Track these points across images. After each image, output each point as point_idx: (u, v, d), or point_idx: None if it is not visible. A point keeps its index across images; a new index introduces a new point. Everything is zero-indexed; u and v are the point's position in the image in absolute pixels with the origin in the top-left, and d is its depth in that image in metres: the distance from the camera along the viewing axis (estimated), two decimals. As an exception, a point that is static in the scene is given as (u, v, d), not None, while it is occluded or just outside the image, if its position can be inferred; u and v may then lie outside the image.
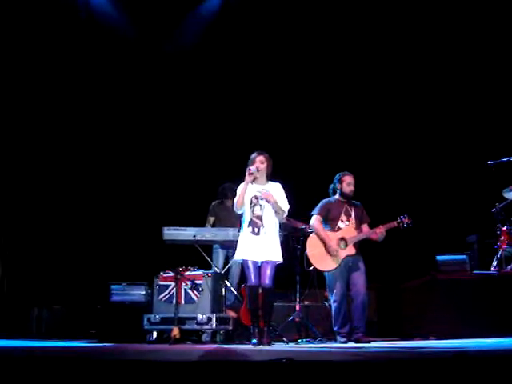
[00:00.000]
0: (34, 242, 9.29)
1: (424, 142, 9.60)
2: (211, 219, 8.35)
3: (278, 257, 6.04)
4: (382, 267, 8.24)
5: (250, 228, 6.04)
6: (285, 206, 6.09)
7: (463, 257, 7.57)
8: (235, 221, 7.54)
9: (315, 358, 4.08)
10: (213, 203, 8.42)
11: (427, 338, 6.81)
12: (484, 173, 8.08)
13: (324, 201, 6.83)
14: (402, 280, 8.25)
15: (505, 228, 7.88)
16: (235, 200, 6.13)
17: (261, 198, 6.04)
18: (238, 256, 6.08)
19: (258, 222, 6.02)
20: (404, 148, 9.65)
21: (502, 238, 7.87)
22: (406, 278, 8.15)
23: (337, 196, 6.82)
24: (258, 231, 6.01)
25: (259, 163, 6.10)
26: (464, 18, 9.40)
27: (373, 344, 6.22)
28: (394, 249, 8.50)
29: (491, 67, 9.31)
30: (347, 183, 6.74)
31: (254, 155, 6.16)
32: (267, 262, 5.98)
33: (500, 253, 7.74)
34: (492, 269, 7.73)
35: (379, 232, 6.53)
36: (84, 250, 9.30)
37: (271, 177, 6.23)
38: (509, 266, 7.62)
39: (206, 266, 7.59)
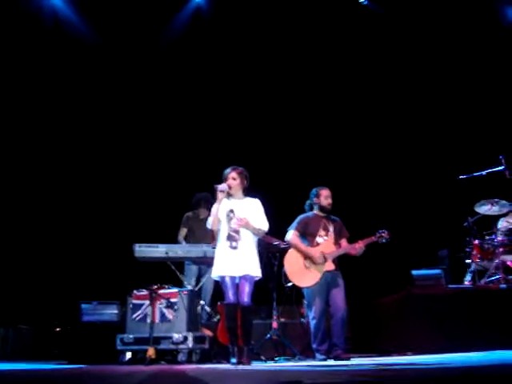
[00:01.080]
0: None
1: (396, 157, 9.68)
2: (184, 230, 8.24)
3: (256, 272, 5.93)
4: (354, 282, 8.20)
5: (228, 242, 5.92)
6: (263, 224, 6.00)
7: (438, 271, 7.56)
8: (208, 232, 7.42)
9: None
10: (186, 214, 8.30)
11: (405, 354, 6.76)
12: (456, 187, 8.15)
13: (301, 216, 6.75)
14: (374, 295, 8.21)
15: (476, 242, 7.93)
16: (210, 219, 6.02)
17: (235, 227, 5.93)
18: (216, 273, 5.94)
19: (235, 236, 5.91)
20: (376, 162, 9.71)
21: (474, 251, 7.92)
22: (378, 293, 8.12)
23: (315, 211, 6.76)
24: (237, 245, 5.89)
25: (231, 180, 6.01)
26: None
27: (353, 361, 6.14)
28: (366, 264, 8.46)
29: (463, 86, 9.46)
30: (325, 196, 6.69)
31: (226, 171, 6.07)
32: (245, 278, 5.86)
33: (473, 267, 7.78)
34: (466, 283, 7.77)
35: (358, 247, 6.47)
36: (53, 266, 9.05)
37: (249, 191, 6.12)
38: (482, 280, 7.67)
39: (178, 281, 7.45)
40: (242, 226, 5.91)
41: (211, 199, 6.27)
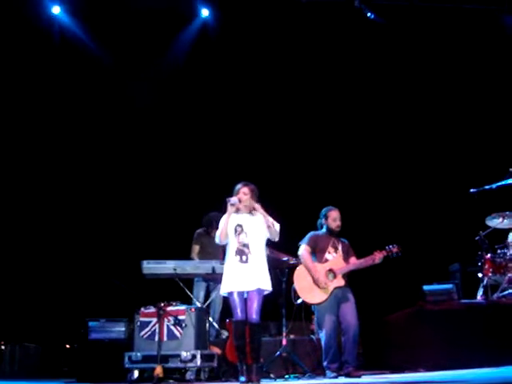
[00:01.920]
0: (6, 275, 8.92)
1: (407, 171, 9.63)
2: (196, 247, 8.17)
3: (267, 285, 5.84)
4: (365, 298, 8.09)
5: (238, 257, 5.83)
6: (275, 223, 5.91)
7: (450, 286, 7.41)
8: (219, 250, 7.43)
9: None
10: (197, 231, 8.24)
11: (417, 371, 6.63)
12: (467, 201, 8.05)
13: (312, 233, 6.71)
14: (385, 311, 8.09)
15: (488, 256, 7.80)
16: (218, 232, 5.96)
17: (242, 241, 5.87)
18: (224, 289, 5.86)
19: (245, 250, 5.84)
20: (386, 176, 9.66)
21: (486, 266, 7.77)
22: (389, 309, 7.99)
23: (324, 230, 6.71)
24: (247, 259, 5.82)
25: (242, 194, 5.96)
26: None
27: (364, 378, 6.03)
28: (377, 280, 8.39)
29: (474, 99, 9.40)
30: (333, 219, 6.64)
31: (238, 186, 6.03)
32: (253, 295, 5.76)
33: (485, 281, 7.65)
34: (478, 297, 7.63)
35: (378, 257, 6.41)
36: (60, 284, 8.98)
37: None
38: (495, 295, 7.54)
39: (187, 298, 7.37)
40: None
41: (220, 218, 6.19)
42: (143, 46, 9.69)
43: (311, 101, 9.93)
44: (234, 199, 5.90)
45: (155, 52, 9.85)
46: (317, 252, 6.54)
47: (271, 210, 6.07)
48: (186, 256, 8.02)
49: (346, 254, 6.60)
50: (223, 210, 5.95)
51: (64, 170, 9.63)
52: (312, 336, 7.32)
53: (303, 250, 6.56)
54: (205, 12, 10.09)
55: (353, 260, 6.57)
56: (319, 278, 6.35)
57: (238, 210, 5.97)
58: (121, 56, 9.74)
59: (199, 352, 6.47)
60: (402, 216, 9.40)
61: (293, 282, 6.59)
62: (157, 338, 6.51)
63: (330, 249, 6.54)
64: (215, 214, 7.74)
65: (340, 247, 6.59)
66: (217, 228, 6.19)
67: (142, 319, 6.73)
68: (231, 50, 9.77)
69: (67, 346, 7.73)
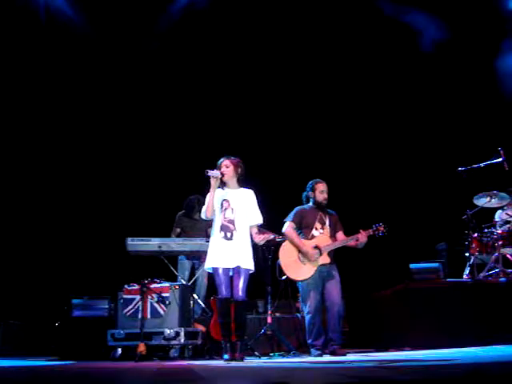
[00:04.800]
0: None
1: (394, 149, 9.56)
2: (177, 230, 8.10)
3: (250, 264, 5.77)
4: (351, 276, 8.06)
5: (222, 233, 5.76)
6: (258, 217, 5.85)
7: (436, 265, 7.44)
8: (201, 233, 7.48)
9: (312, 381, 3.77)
10: (179, 214, 8.16)
11: (402, 349, 6.63)
12: (455, 179, 8.01)
13: (298, 208, 6.61)
14: (371, 289, 8.07)
15: (475, 235, 7.79)
16: (204, 208, 5.85)
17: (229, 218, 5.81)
18: (209, 264, 5.77)
19: (230, 227, 5.75)
20: (374, 154, 9.60)
21: (473, 245, 7.77)
22: (376, 287, 7.98)
23: (310, 203, 6.61)
24: (231, 236, 5.74)
25: (224, 167, 5.85)
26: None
27: (349, 356, 6.00)
28: (364, 257, 8.33)
29: (461, 76, 9.32)
30: (320, 191, 6.54)
31: (220, 160, 5.93)
32: (239, 272, 5.70)
33: (472, 260, 7.64)
34: (464, 276, 7.64)
35: (361, 238, 6.32)
36: (43, 261, 8.90)
37: (245, 183, 5.96)
38: (481, 274, 7.54)
39: (172, 277, 7.30)
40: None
41: (203, 200, 6.09)
42: (130, 19, 9.51)
43: (299, 74, 9.79)
44: (214, 172, 5.77)
45: (143, 24, 9.65)
46: (303, 228, 6.46)
47: (256, 185, 6.01)
48: (169, 235, 7.96)
49: (334, 229, 6.53)
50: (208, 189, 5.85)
51: (49, 149, 9.46)
52: (297, 314, 7.29)
53: (287, 226, 6.48)
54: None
55: (339, 236, 6.50)
56: (308, 251, 6.29)
57: (224, 185, 5.87)
58: (107, 29, 9.53)
59: (183, 329, 6.43)
60: (389, 194, 9.35)
61: (278, 259, 6.53)
62: (140, 316, 6.44)
63: (317, 224, 6.45)
64: (196, 197, 7.68)
65: (327, 222, 6.51)
66: (199, 211, 6.12)
67: (125, 296, 6.67)
68: (220, 25, 9.60)
69: (56, 323, 7.63)
